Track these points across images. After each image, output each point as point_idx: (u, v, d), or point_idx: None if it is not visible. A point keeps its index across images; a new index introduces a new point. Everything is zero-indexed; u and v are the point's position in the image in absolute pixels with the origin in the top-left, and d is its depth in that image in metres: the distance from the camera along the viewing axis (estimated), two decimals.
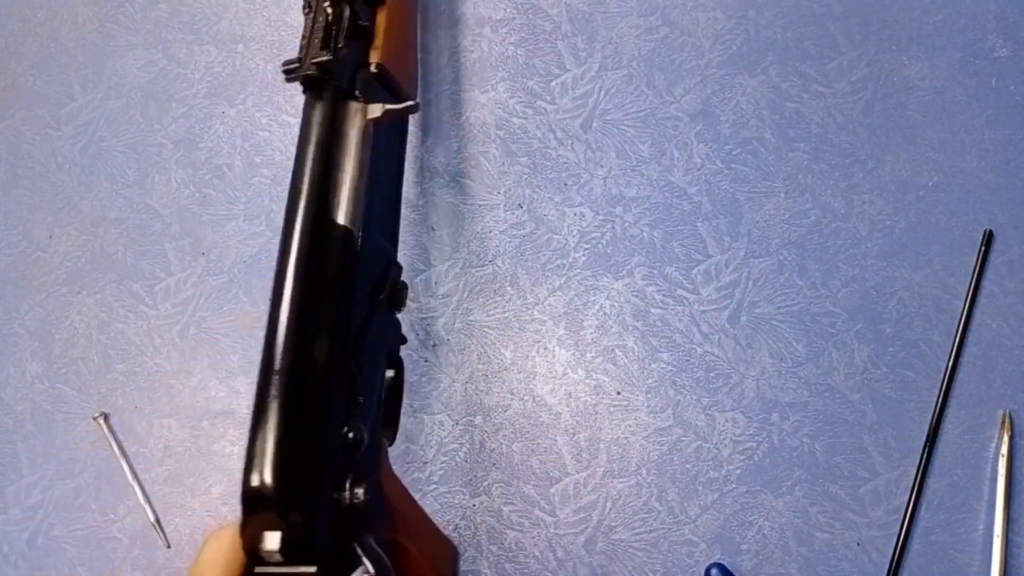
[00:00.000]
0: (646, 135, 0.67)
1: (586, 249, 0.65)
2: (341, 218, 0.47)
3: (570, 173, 0.66)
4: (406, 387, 0.50)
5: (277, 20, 0.72)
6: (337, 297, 0.45)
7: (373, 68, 0.52)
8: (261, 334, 0.64)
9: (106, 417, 0.63)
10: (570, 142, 0.67)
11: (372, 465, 0.45)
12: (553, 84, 0.69)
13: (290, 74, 0.50)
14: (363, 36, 0.53)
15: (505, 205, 0.66)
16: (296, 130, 0.69)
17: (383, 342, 0.48)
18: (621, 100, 0.68)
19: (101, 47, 0.72)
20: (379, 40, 0.54)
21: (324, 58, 0.48)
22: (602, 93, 0.68)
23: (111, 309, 0.66)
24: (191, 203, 0.68)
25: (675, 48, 0.69)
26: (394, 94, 0.54)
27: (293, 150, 0.68)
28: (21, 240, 0.68)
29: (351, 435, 0.43)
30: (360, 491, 0.42)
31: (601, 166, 0.66)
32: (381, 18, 0.55)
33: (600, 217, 0.65)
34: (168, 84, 0.71)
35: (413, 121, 0.64)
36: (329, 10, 0.50)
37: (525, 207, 0.66)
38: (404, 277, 0.52)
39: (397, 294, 0.50)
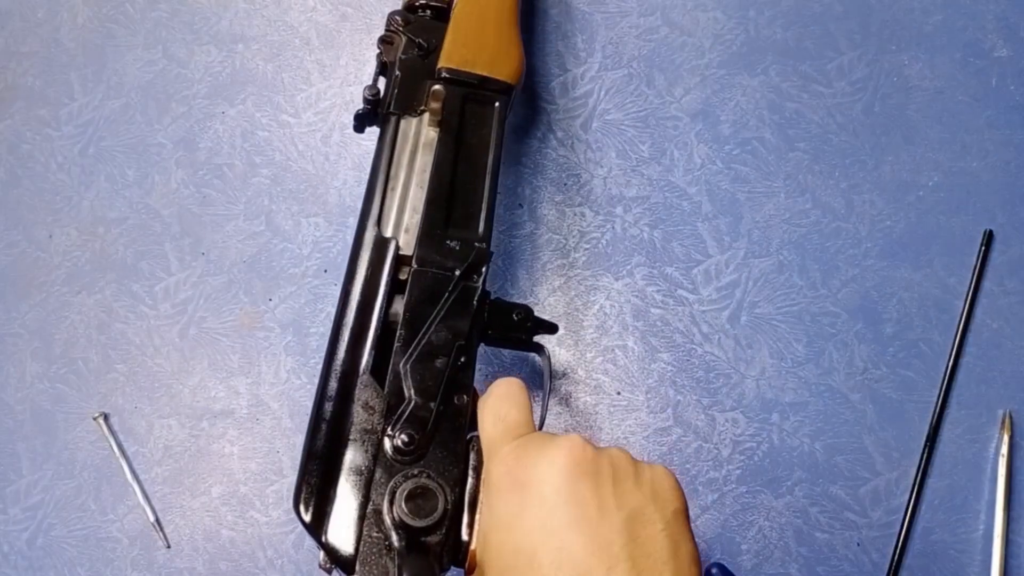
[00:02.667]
0: (646, 135, 0.67)
1: (586, 249, 0.64)
2: (388, 230, 0.50)
3: (570, 173, 0.66)
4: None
5: (277, 20, 0.72)
6: (378, 305, 0.48)
7: (443, 74, 0.55)
8: (261, 334, 0.64)
9: (106, 417, 0.63)
10: (570, 142, 0.67)
11: (444, 468, 0.44)
12: (553, 84, 0.69)
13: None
14: (431, 50, 0.56)
15: (505, 205, 0.66)
16: (295, 130, 0.69)
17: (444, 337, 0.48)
18: (621, 100, 0.68)
19: (101, 47, 0.72)
20: (445, 43, 0.56)
21: (368, 94, 0.53)
22: (602, 93, 0.68)
23: (111, 309, 0.66)
24: (191, 203, 0.68)
25: (675, 48, 0.69)
26: (480, 87, 0.55)
27: (292, 150, 0.69)
28: (21, 240, 0.68)
29: (394, 441, 0.44)
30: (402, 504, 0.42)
31: (601, 166, 0.66)
32: (451, 20, 0.58)
33: (600, 217, 0.65)
34: (168, 84, 0.71)
35: None
36: (380, 48, 0.55)
37: (525, 207, 0.66)
38: None
39: (467, 289, 0.49)
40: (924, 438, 0.59)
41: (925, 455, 0.58)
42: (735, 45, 0.68)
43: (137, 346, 0.65)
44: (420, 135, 0.53)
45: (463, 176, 0.52)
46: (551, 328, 0.53)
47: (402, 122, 0.53)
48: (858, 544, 0.58)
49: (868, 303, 0.62)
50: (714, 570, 0.56)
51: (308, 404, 0.62)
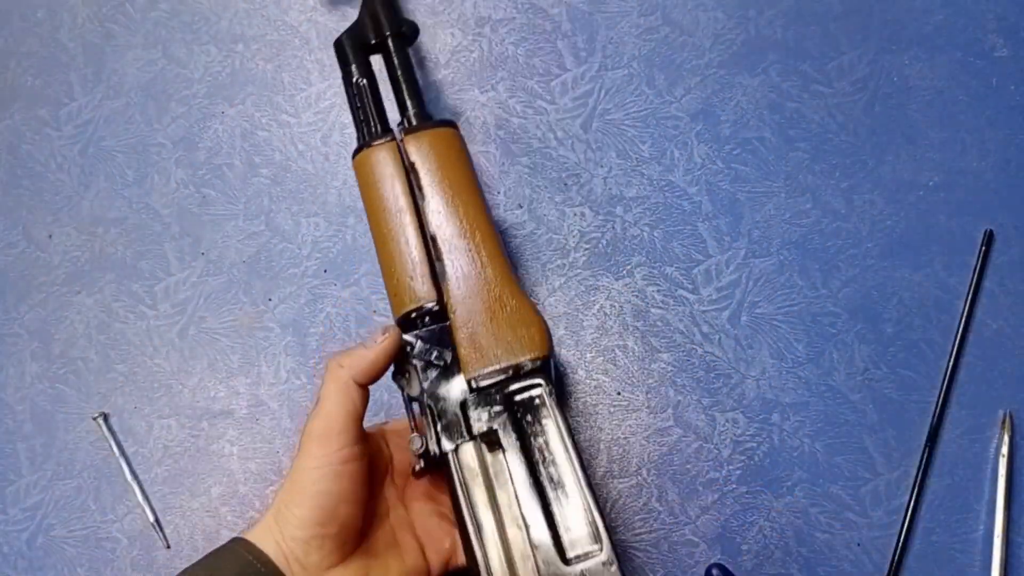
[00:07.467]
0: (646, 135, 0.67)
1: (586, 249, 0.64)
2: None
3: (570, 173, 0.66)
4: None
5: (277, 20, 0.72)
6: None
7: (474, 386, 0.50)
8: (261, 334, 0.64)
9: (105, 417, 0.63)
10: (570, 142, 0.67)
11: None
12: (553, 84, 0.69)
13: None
14: (450, 361, 0.51)
15: (505, 205, 0.66)
16: (295, 130, 0.69)
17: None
18: (621, 100, 0.68)
19: (101, 47, 0.72)
20: (459, 353, 0.51)
21: (416, 451, 0.50)
22: (602, 93, 0.68)
23: (111, 309, 0.66)
24: (191, 203, 0.68)
25: (675, 48, 0.69)
26: (515, 377, 0.50)
27: (292, 150, 0.69)
28: (21, 240, 0.68)
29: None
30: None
31: (601, 166, 0.66)
32: (453, 326, 0.52)
33: (600, 217, 0.65)
34: (167, 84, 0.71)
35: None
36: (397, 383, 0.52)
37: (525, 207, 0.66)
38: None
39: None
40: (924, 438, 0.59)
41: (925, 455, 0.58)
42: (735, 45, 0.68)
43: (137, 346, 0.65)
44: (486, 462, 0.48)
45: (552, 484, 0.48)
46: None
47: (461, 455, 0.48)
48: (858, 544, 0.58)
49: (868, 303, 0.62)
50: (714, 571, 0.56)
51: (308, 404, 0.62)
